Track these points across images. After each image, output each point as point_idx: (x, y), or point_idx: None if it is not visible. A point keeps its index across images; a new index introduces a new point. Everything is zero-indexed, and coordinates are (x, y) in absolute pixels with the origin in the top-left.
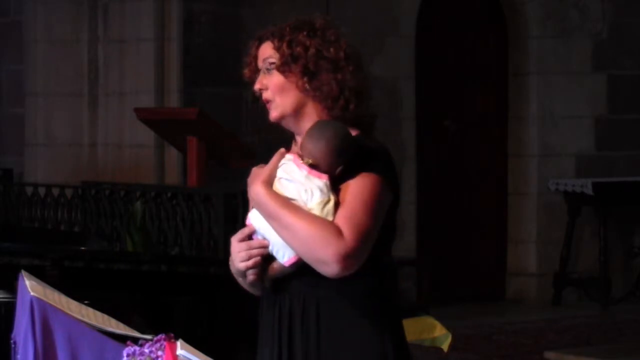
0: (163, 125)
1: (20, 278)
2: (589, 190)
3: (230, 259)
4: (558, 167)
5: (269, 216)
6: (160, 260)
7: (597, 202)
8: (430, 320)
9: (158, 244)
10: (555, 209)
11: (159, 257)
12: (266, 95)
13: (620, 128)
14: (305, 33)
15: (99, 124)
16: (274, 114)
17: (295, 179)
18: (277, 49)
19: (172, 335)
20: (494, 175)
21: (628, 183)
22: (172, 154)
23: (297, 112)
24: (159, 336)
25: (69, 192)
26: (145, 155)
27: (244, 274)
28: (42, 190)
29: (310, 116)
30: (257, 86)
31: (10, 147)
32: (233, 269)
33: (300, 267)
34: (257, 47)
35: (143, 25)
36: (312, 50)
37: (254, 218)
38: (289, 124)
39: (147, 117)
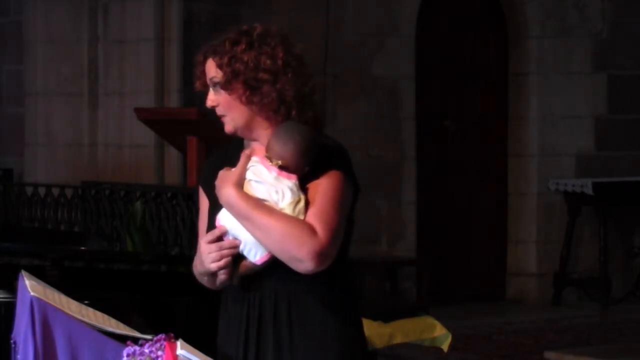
0: (163, 125)
1: (20, 278)
2: (589, 190)
3: (196, 259)
4: (558, 167)
5: (241, 217)
6: (160, 260)
7: (597, 202)
8: (430, 320)
9: (158, 244)
10: (555, 209)
11: (159, 257)
12: (218, 111)
13: (620, 128)
14: (243, 47)
15: (99, 124)
16: (227, 127)
17: (264, 181)
18: (219, 67)
19: (172, 335)
20: (494, 175)
21: (628, 183)
22: (172, 154)
23: (248, 123)
24: (159, 336)
25: (69, 192)
26: (145, 155)
27: (214, 273)
28: (42, 190)
29: (260, 126)
30: (208, 103)
31: (10, 147)
32: (200, 269)
33: (270, 264)
34: (203, 63)
35: (143, 25)
36: (250, 65)
37: (225, 219)
38: (242, 135)
39: (147, 117)
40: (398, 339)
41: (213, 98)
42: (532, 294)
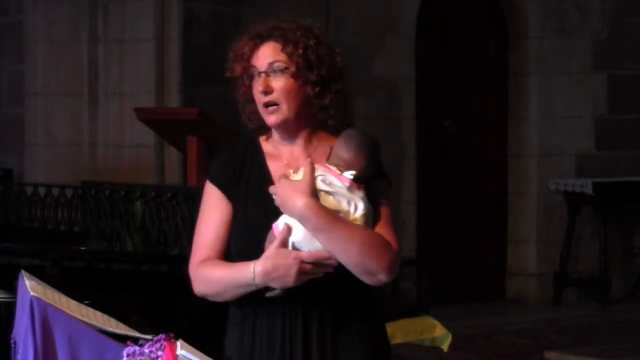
0: (163, 125)
1: (20, 278)
2: (589, 190)
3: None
4: (558, 167)
5: (318, 230)
6: (160, 260)
7: (597, 202)
8: (430, 320)
9: (158, 244)
10: (555, 209)
11: (159, 257)
12: (271, 98)
13: (620, 128)
14: (314, 41)
15: (99, 124)
16: (276, 118)
17: (336, 191)
18: (291, 54)
19: (172, 335)
20: (494, 175)
21: (628, 183)
22: (172, 154)
23: (298, 118)
24: (159, 336)
25: (69, 192)
26: (145, 155)
27: (265, 290)
28: (42, 190)
29: (306, 123)
30: (261, 88)
31: (10, 147)
32: (268, 279)
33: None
34: (255, 46)
35: (143, 25)
36: (325, 59)
37: (291, 229)
38: (285, 129)
39: (147, 117)
40: (398, 339)
41: (269, 84)
42: (532, 294)
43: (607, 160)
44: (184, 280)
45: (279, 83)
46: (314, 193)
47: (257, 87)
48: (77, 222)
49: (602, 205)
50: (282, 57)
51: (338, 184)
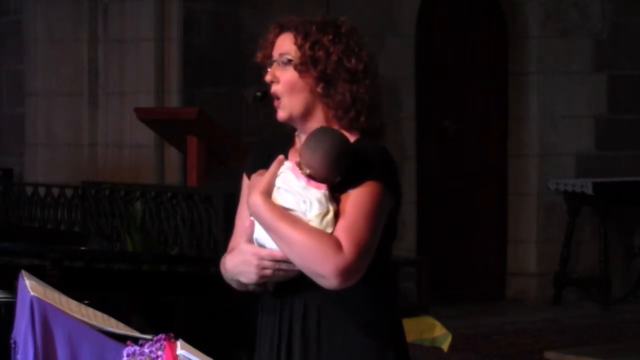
0: (163, 125)
1: (20, 278)
2: (589, 190)
3: (228, 259)
4: (558, 167)
5: (266, 228)
6: (160, 260)
7: (597, 202)
8: (430, 320)
9: (158, 244)
10: (555, 209)
11: (159, 257)
12: (275, 88)
13: (620, 128)
14: (330, 37)
15: (99, 124)
16: (281, 114)
17: (293, 189)
18: (299, 47)
19: (172, 335)
20: (494, 175)
21: (628, 183)
22: (172, 154)
23: (305, 114)
24: (159, 336)
25: (69, 192)
26: (145, 155)
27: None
28: (42, 190)
29: (318, 119)
30: (268, 77)
31: (10, 147)
32: (235, 274)
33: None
34: (277, 35)
35: (143, 25)
36: (333, 57)
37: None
38: (295, 124)
39: (147, 117)
40: None
41: (277, 74)
42: (532, 294)
43: (607, 160)
44: (184, 280)
45: (284, 74)
46: (269, 190)
47: (266, 76)
48: (77, 222)
49: (602, 205)
50: (292, 48)
51: (295, 182)
